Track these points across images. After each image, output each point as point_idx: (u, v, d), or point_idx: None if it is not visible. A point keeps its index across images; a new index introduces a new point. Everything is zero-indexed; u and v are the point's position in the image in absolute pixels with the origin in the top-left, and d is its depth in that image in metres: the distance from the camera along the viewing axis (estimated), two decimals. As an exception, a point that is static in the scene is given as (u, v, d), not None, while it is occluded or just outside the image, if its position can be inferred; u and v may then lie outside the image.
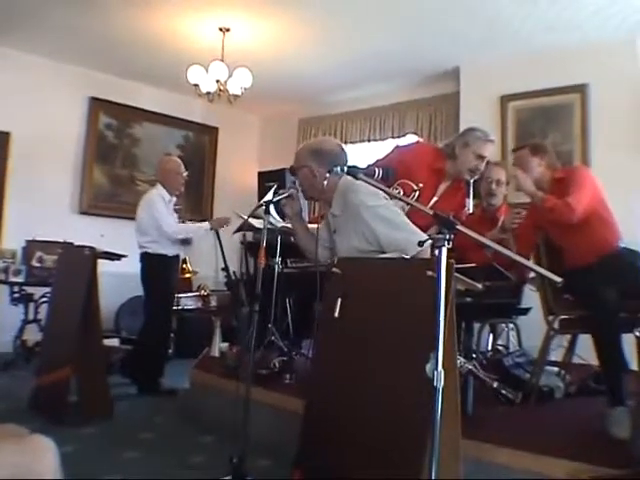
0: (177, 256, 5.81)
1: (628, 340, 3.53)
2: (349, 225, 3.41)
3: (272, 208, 4.38)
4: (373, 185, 2.96)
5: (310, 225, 3.96)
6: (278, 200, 3.63)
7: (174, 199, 5.85)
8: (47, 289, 6.07)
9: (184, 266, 6.48)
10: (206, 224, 5.83)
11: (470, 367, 3.51)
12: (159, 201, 5.65)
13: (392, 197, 3.37)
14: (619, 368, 3.43)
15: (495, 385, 3.68)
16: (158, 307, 5.64)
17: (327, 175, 3.35)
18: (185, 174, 5.93)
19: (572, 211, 3.68)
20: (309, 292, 3.37)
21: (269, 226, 3.50)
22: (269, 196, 3.57)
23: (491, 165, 4.66)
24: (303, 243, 3.77)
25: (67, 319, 4.66)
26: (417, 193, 4.08)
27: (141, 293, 5.78)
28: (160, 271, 5.60)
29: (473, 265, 3.81)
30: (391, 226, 3.31)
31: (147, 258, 5.61)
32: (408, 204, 3.50)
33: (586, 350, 3.83)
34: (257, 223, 4.70)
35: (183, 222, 5.98)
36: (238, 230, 5.32)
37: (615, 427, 3.17)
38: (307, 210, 7.54)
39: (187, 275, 6.92)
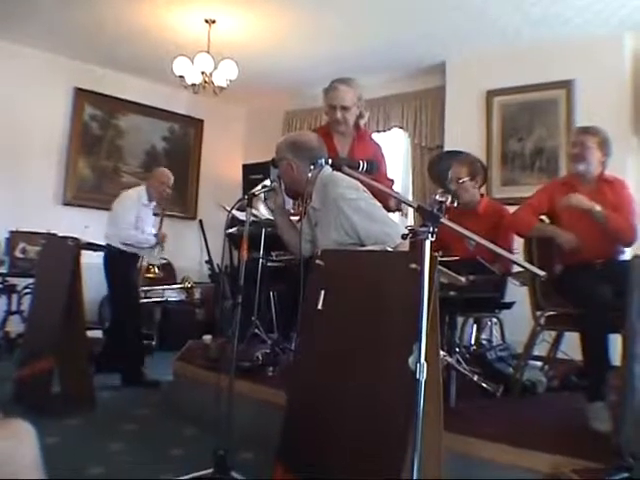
0: (136, 254, 5.90)
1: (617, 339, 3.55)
2: (329, 218, 3.42)
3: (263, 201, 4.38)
4: (356, 178, 2.96)
5: (295, 218, 3.96)
6: (260, 193, 3.63)
7: (153, 203, 5.98)
8: (30, 280, 6.05)
9: (150, 267, 6.44)
10: (153, 240, 5.91)
11: (450, 361, 3.52)
12: (131, 199, 5.81)
13: (376, 189, 3.37)
14: (602, 365, 3.44)
15: (475, 378, 3.69)
16: (120, 299, 5.75)
17: (311, 167, 3.33)
18: (169, 191, 6.06)
19: (635, 233, 3.74)
20: (295, 285, 3.37)
21: (254, 218, 3.50)
22: (257, 189, 3.55)
23: (454, 164, 4.70)
24: (286, 237, 3.77)
25: (50, 310, 4.63)
26: None
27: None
28: (118, 264, 5.67)
29: (457, 258, 3.82)
30: (370, 219, 3.33)
31: (108, 249, 5.67)
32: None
33: (570, 346, 3.85)
34: (242, 216, 4.69)
35: (161, 223, 6.21)
36: (230, 227, 5.29)
37: (595, 421, 3.20)
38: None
39: (150, 275, 6.85)
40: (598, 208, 3.70)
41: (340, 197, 3.36)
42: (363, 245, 3.31)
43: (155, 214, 6.15)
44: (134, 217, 5.71)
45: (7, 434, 1.77)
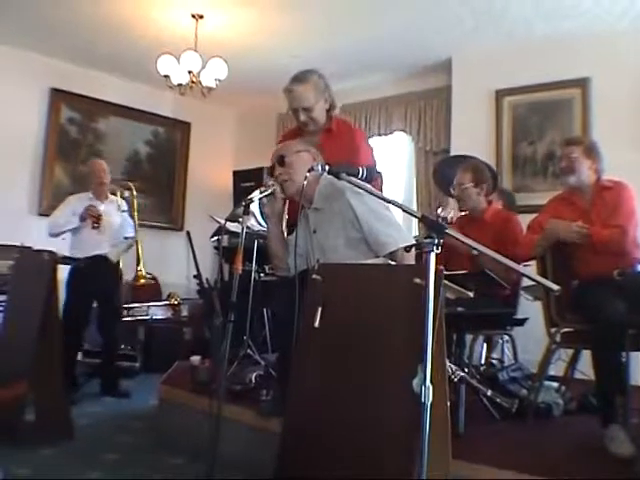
0: (94, 257, 5.92)
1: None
2: (334, 211, 3.50)
3: (257, 210, 4.36)
4: (355, 185, 2.98)
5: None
6: (260, 198, 3.63)
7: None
8: (2, 297, 6.03)
9: (138, 270, 6.44)
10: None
11: (462, 374, 3.50)
12: (67, 201, 6.07)
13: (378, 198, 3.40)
14: (614, 386, 3.44)
15: (489, 393, 3.67)
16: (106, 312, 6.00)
17: (307, 175, 3.35)
18: (107, 179, 6.12)
19: (627, 236, 3.76)
20: (289, 301, 3.37)
21: (246, 230, 3.49)
22: (255, 195, 3.54)
23: (459, 169, 4.71)
24: (274, 248, 3.78)
25: (24, 329, 4.61)
26: None
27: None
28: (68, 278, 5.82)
29: (464, 272, 3.82)
30: (376, 216, 3.41)
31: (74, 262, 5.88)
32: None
33: (589, 365, 3.85)
34: (233, 227, 4.68)
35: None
36: (215, 235, 5.27)
37: (614, 445, 3.19)
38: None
39: (142, 281, 6.79)
40: (584, 231, 3.80)
41: (348, 188, 3.42)
42: (367, 242, 3.38)
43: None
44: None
45: None
